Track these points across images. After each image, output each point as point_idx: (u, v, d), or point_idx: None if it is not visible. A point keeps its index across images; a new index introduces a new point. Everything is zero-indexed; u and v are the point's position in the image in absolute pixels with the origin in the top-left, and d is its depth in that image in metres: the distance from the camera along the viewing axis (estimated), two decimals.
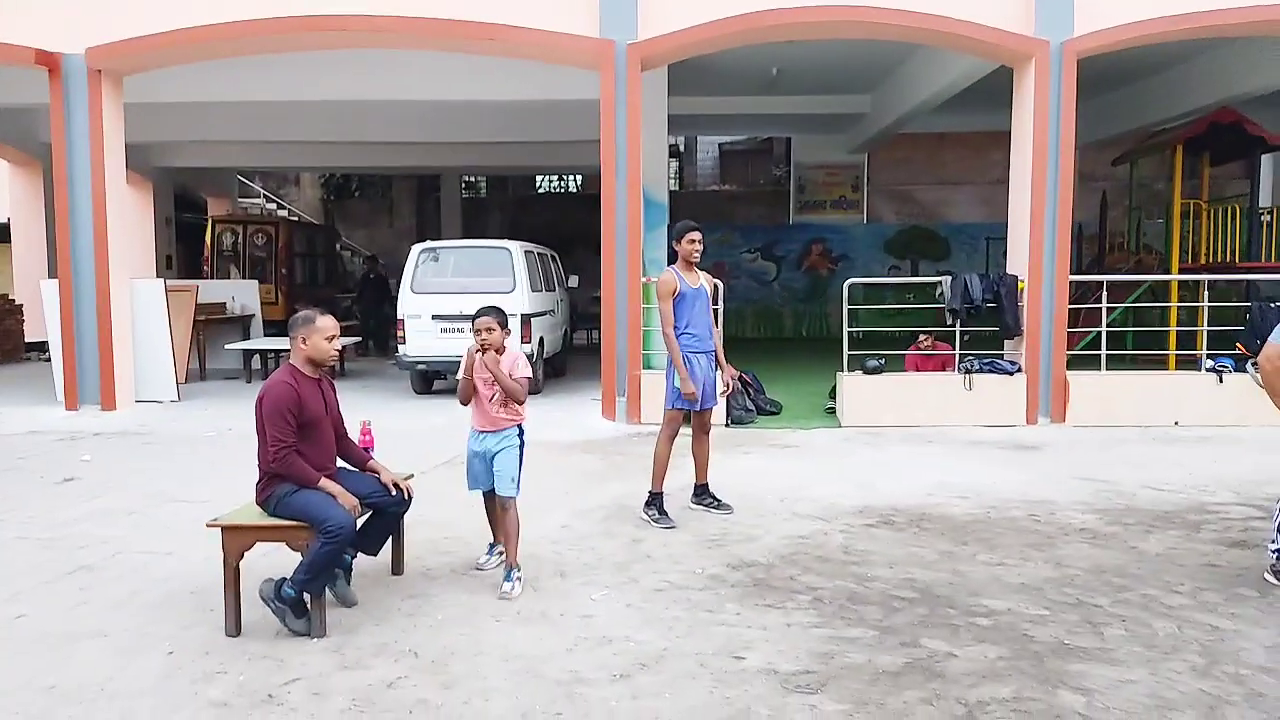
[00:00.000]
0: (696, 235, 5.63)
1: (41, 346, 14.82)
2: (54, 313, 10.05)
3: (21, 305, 15.78)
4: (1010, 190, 9.55)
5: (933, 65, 12.07)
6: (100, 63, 9.62)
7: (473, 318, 4.47)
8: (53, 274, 12.97)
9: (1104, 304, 9.45)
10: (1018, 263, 9.32)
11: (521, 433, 4.56)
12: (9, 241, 17.26)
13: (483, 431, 4.53)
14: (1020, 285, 9.14)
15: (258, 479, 4.02)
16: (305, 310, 4.13)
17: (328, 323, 4.06)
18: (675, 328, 5.60)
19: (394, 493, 4.23)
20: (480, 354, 4.45)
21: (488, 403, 4.49)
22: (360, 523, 4.22)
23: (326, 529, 3.76)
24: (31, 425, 9.21)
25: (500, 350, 4.47)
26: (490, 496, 4.67)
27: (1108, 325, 9.57)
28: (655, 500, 5.61)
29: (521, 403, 4.50)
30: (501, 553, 4.73)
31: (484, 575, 4.60)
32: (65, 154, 9.73)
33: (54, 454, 7.90)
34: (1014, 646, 3.73)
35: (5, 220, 17.73)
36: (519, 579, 4.36)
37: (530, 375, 4.56)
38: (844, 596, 4.29)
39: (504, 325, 4.46)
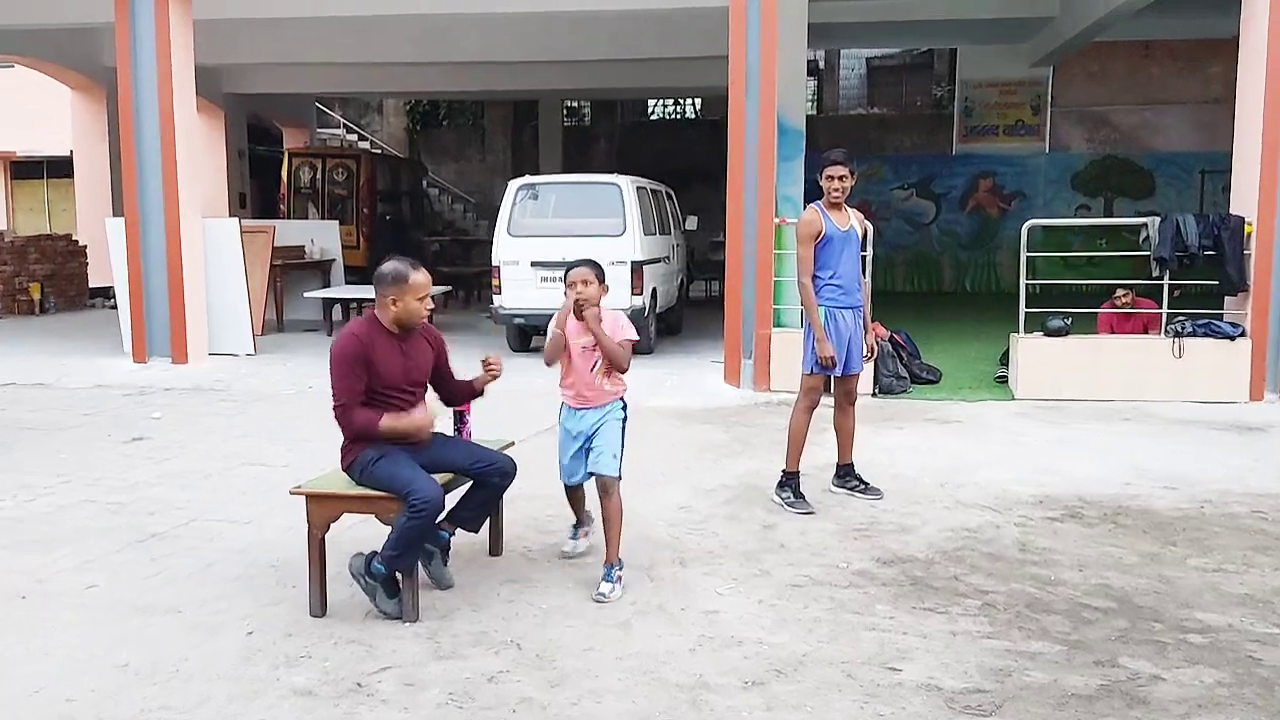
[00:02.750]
0: (837, 170, 5.45)
1: (107, 292, 15.72)
2: (120, 255, 10.63)
3: (85, 246, 16.77)
4: (1236, 112, 8.96)
5: None
6: None
7: (566, 271, 4.38)
8: (118, 212, 13.70)
9: None
10: (1244, 201, 8.77)
11: (625, 406, 4.47)
12: (71, 176, 18.33)
13: (581, 408, 4.41)
14: (1247, 229, 8.61)
15: (342, 442, 4.15)
16: (395, 263, 4.11)
17: (421, 279, 4.07)
18: (817, 277, 5.51)
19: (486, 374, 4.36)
20: (577, 311, 4.32)
21: (587, 372, 4.36)
22: (461, 493, 4.35)
23: (411, 501, 3.87)
24: (97, 379, 9.79)
25: (597, 305, 4.34)
26: (577, 488, 4.62)
27: None
28: (790, 481, 5.57)
29: (625, 370, 4.42)
30: (588, 533, 4.75)
31: (589, 561, 4.65)
32: (130, 77, 10.21)
33: (122, 411, 8.38)
34: (1237, 671, 3.55)
35: (68, 153, 18.81)
36: (619, 578, 4.26)
37: (635, 338, 4.46)
38: (1022, 603, 4.18)
39: (602, 280, 4.35)
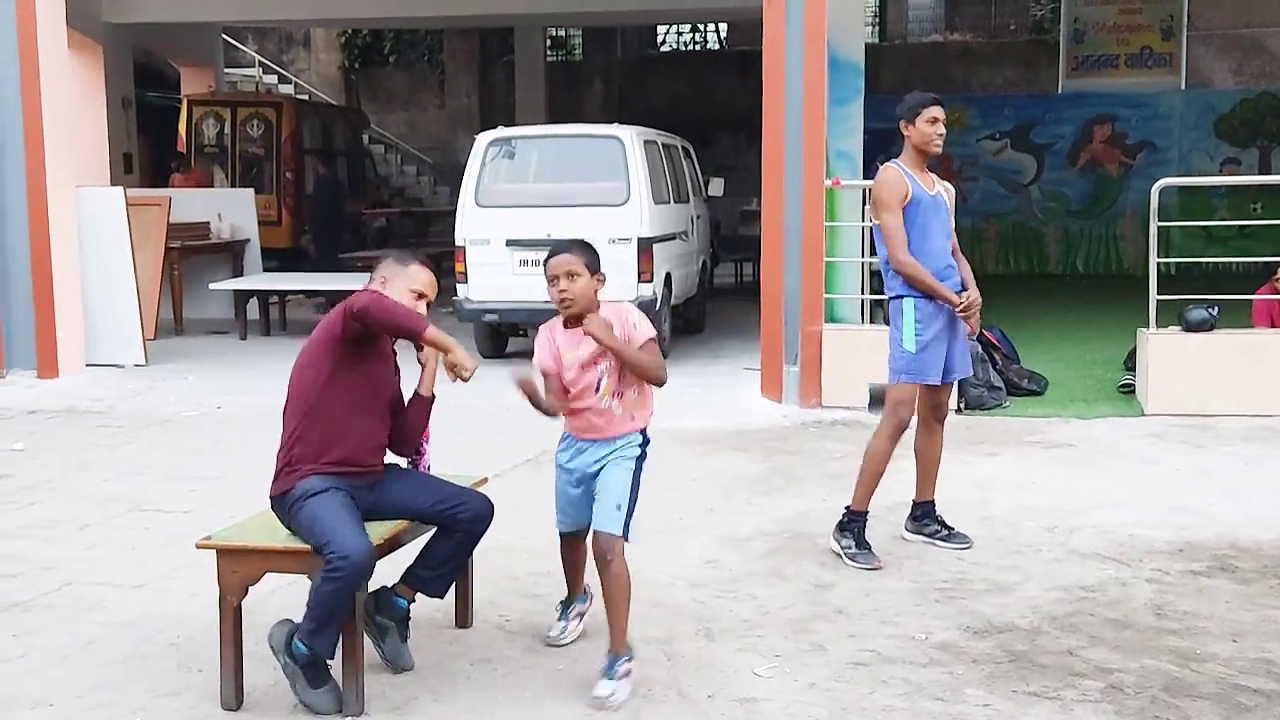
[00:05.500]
0: (941, 112, 5.55)
1: None
2: None
3: None
4: None
5: None
6: None
7: (545, 259, 4.23)
8: None
9: None
10: None
11: (646, 443, 4.33)
12: None
13: (584, 439, 4.29)
14: None
15: (276, 468, 4.15)
16: (407, 250, 4.48)
17: (421, 274, 4.28)
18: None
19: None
20: (568, 318, 4.20)
21: (593, 393, 4.22)
22: (426, 542, 4.37)
23: (326, 557, 3.86)
24: None
25: (595, 307, 4.18)
26: (575, 539, 4.51)
27: None
28: (854, 523, 5.58)
29: (661, 382, 4.26)
30: (583, 614, 4.66)
31: (586, 634, 4.63)
32: None
33: None
34: None
35: None
36: (627, 674, 4.12)
37: (653, 333, 4.27)
38: (1158, 685, 4.17)
39: (594, 268, 4.19)
